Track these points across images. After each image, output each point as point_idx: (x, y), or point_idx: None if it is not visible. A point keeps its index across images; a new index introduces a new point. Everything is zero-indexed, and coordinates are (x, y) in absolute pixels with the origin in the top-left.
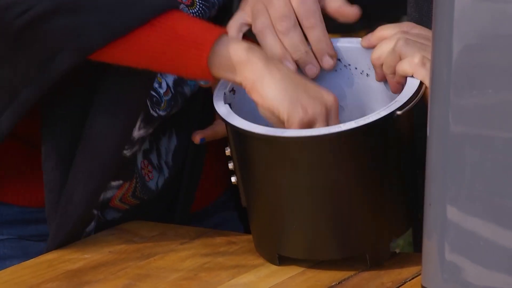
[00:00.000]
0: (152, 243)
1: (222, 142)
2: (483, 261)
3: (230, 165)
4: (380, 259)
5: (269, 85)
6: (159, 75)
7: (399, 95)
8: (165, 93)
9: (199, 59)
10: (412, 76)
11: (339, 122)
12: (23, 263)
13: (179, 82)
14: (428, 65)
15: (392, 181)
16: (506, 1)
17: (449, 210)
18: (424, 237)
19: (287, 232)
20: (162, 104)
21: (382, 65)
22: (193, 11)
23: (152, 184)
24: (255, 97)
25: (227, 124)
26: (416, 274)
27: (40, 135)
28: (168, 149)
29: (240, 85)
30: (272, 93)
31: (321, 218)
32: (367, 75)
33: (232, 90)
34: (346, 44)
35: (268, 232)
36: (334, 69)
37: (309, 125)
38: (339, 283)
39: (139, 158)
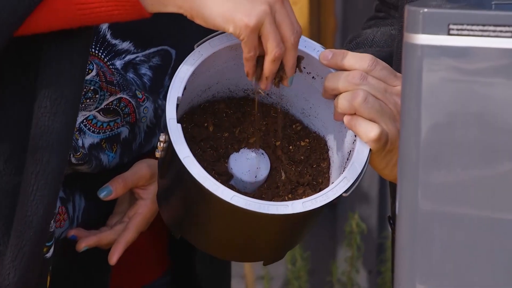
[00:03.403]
0: None
1: (158, 223)
2: None
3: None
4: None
5: (205, 6)
6: (76, 133)
7: (348, 169)
8: (82, 147)
9: None
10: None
11: (288, 14)
12: None
13: (96, 147)
14: (383, 140)
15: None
16: (473, 80)
17: None
18: None
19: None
20: (79, 153)
21: (333, 94)
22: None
23: (57, 231)
24: (200, 22)
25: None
26: None
27: None
28: (80, 206)
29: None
30: (212, 12)
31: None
32: (313, 77)
33: (184, 89)
34: (302, 48)
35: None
36: None
37: (258, 27)
38: None
39: (58, 203)
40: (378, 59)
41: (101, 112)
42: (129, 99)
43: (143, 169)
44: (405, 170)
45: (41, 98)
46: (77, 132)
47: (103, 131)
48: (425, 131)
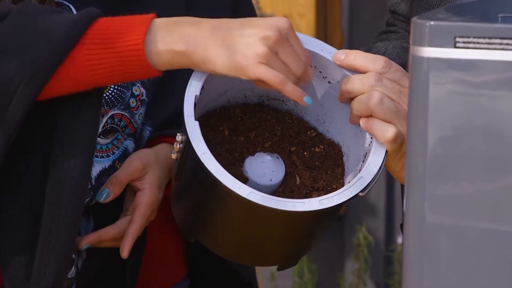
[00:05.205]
0: None
1: (177, 227)
2: None
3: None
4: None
5: (216, 59)
6: None
7: (364, 169)
8: None
9: (138, 62)
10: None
11: (297, 40)
12: None
13: (108, 171)
14: (399, 141)
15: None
16: (479, 93)
17: None
18: None
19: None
20: None
21: (350, 97)
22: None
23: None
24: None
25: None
26: None
27: None
28: (87, 230)
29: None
30: (222, 63)
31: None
32: (329, 82)
33: (202, 88)
34: (319, 52)
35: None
36: None
37: (271, 57)
38: None
39: None
40: (392, 61)
41: (101, 136)
42: (122, 112)
43: (134, 162)
44: (412, 182)
45: (55, 154)
46: None
47: (111, 152)
48: (431, 144)
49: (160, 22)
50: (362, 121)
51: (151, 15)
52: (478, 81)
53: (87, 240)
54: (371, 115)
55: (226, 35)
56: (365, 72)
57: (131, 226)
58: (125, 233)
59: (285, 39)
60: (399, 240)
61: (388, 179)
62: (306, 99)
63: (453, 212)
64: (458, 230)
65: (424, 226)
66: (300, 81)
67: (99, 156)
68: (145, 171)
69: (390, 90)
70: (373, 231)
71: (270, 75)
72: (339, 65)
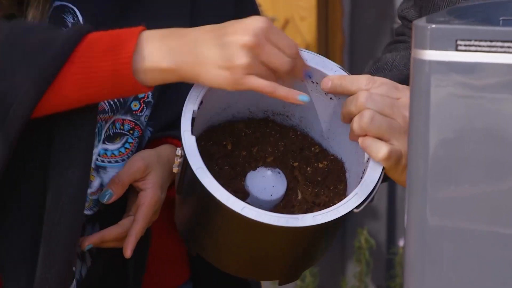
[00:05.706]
0: None
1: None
2: None
3: (175, 168)
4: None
5: (203, 74)
6: (92, 173)
7: (360, 186)
8: (93, 193)
9: (127, 81)
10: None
11: (279, 35)
12: None
13: None
14: (393, 158)
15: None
16: (481, 96)
17: None
18: None
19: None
20: (87, 203)
21: (350, 118)
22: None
23: (75, 274)
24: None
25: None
26: None
27: None
28: None
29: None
30: (211, 79)
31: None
32: (331, 98)
33: (201, 103)
34: (320, 69)
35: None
36: (302, 79)
37: (254, 65)
38: None
39: None
40: (375, 77)
41: (106, 142)
42: (123, 117)
43: (137, 162)
44: (414, 185)
45: (53, 168)
46: (93, 173)
47: (126, 156)
48: (433, 147)
49: (148, 37)
50: (360, 141)
51: (139, 28)
52: (480, 84)
53: (90, 241)
54: (366, 134)
55: (208, 47)
56: (352, 94)
57: (134, 226)
58: (128, 233)
59: (263, 40)
60: (401, 243)
61: (389, 182)
62: (301, 98)
63: (454, 214)
64: (459, 232)
65: (425, 228)
66: (291, 76)
67: (112, 162)
68: (147, 171)
69: (381, 105)
70: (374, 233)
71: (259, 85)
72: (328, 92)
